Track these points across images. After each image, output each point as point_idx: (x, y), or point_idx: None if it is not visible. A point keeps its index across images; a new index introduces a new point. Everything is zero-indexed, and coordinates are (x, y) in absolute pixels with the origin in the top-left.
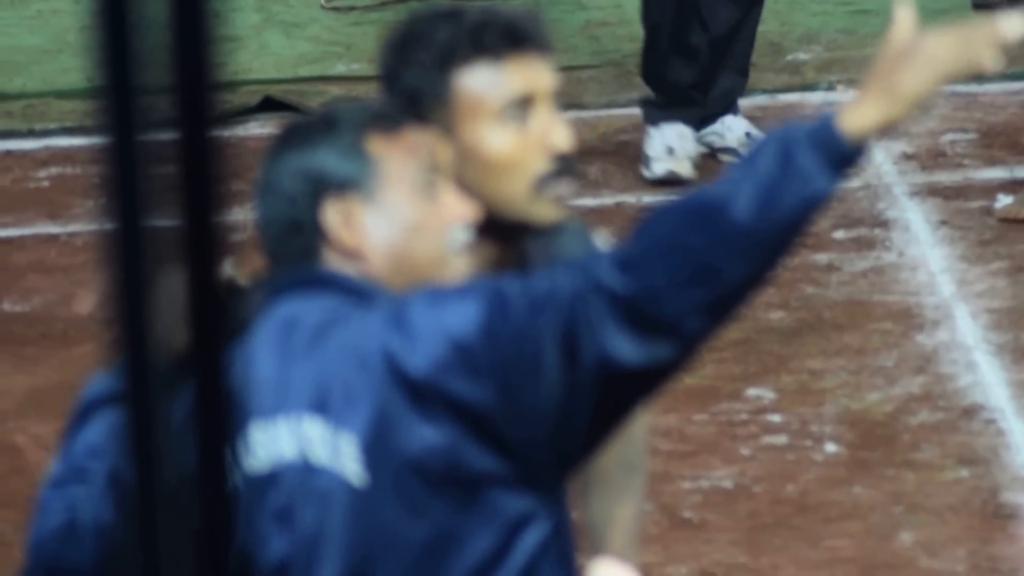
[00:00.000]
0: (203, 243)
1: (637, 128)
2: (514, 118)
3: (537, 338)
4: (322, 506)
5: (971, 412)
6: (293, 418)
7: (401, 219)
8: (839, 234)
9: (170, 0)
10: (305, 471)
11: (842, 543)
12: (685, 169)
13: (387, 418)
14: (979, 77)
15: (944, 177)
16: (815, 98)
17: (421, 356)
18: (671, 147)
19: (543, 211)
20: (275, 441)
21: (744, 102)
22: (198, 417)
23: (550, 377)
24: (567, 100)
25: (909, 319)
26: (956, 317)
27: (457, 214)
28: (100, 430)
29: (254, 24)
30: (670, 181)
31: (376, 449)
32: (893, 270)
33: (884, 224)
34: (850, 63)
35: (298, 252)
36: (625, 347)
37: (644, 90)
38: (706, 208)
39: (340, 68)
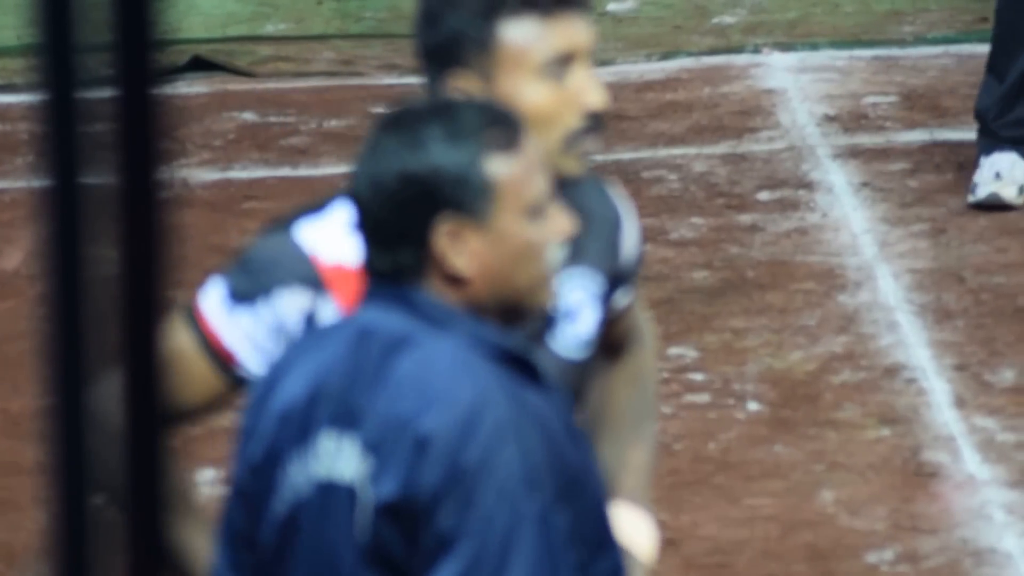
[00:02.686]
0: (140, 201)
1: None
2: (553, 74)
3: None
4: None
5: (892, 372)
6: (356, 441)
7: (512, 247)
8: (763, 195)
9: None
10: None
11: (763, 501)
12: (1009, 193)
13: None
14: (900, 41)
15: (866, 139)
16: (740, 60)
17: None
18: (999, 172)
19: (570, 165)
20: (337, 456)
21: (669, 64)
22: (130, 385)
23: None
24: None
25: (831, 279)
26: (878, 278)
27: (560, 230)
28: None
29: None
30: (993, 204)
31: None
32: (816, 231)
33: (807, 186)
34: (775, 26)
35: (401, 263)
36: None
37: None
38: None
39: (269, 28)
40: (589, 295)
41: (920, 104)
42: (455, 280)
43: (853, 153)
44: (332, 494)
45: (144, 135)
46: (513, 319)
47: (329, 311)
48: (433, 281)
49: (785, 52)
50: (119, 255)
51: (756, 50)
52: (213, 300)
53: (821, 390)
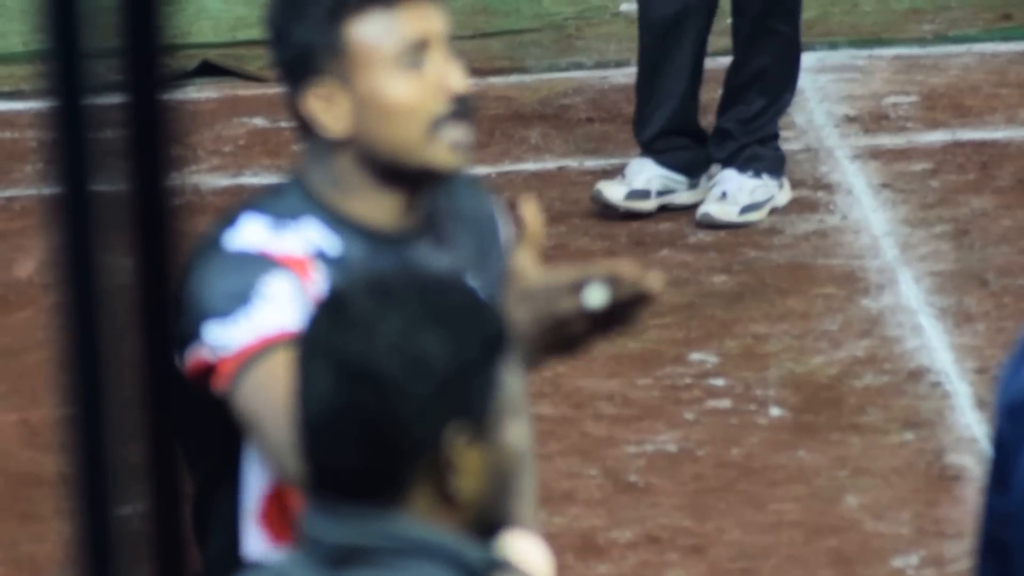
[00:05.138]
0: (151, 208)
1: (578, 91)
2: (409, 64)
3: None
4: None
5: (916, 375)
6: None
7: None
8: None
9: None
10: None
11: (787, 507)
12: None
13: None
14: (921, 40)
15: (886, 140)
16: None
17: None
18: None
19: (442, 155)
20: None
21: None
22: (147, 385)
23: None
24: (508, 64)
25: (853, 283)
26: (900, 281)
27: None
28: None
29: None
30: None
31: None
32: (836, 233)
33: (827, 187)
34: None
35: None
36: None
37: (585, 53)
38: None
39: None
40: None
41: (941, 104)
42: None
43: (873, 154)
44: None
45: (154, 141)
46: None
47: (306, 291)
48: None
49: (803, 52)
50: (132, 263)
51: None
52: (232, 333)
53: (844, 394)
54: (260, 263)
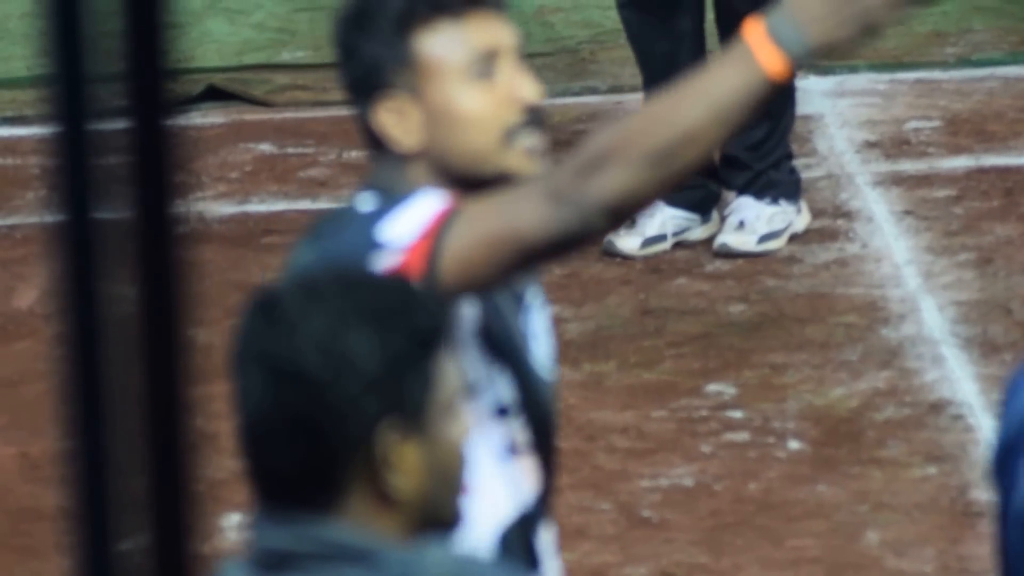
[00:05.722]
0: (155, 236)
1: (592, 117)
2: (480, 74)
3: None
4: None
5: (938, 408)
6: None
7: None
8: None
9: None
10: None
11: (807, 543)
12: None
13: None
14: (943, 64)
15: (908, 166)
16: None
17: None
18: None
19: (516, 163)
20: None
21: None
22: (152, 419)
23: None
24: None
25: (874, 312)
26: (922, 310)
27: None
28: None
29: (196, 10)
30: None
31: None
32: (857, 262)
33: (847, 215)
34: None
35: None
36: None
37: (599, 78)
38: None
39: (286, 56)
40: (540, 311)
41: (965, 129)
42: None
43: (895, 180)
44: None
45: (158, 168)
46: None
47: None
48: None
49: (823, 76)
50: (136, 293)
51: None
52: (401, 226)
53: (864, 427)
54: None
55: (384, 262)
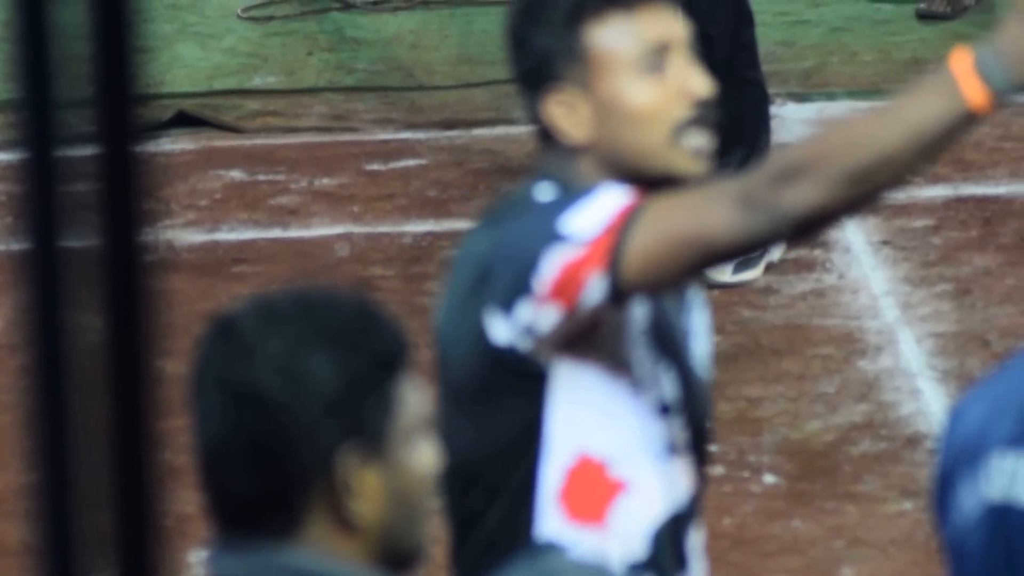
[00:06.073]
0: (123, 265)
1: None
2: (651, 68)
3: None
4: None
5: (915, 441)
6: None
7: None
8: (776, 255)
9: (89, 9)
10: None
11: None
12: None
13: None
14: None
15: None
16: None
17: None
18: None
19: (684, 162)
20: (1013, 477)
21: None
22: (119, 425)
23: None
24: (494, 115)
25: (851, 344)
26: (900, 342)
27: None
28: None
29: (166, 34)
30: None
31: None
32: (834, 293)
33: (824, 245)
34: (789, 75)
35: None
36: None
37: None
38: None
39: (257, 81)
40: (701, 310)
41: (943, 158)
42: None
43: (872, 210)
44: (1004, 517)
45: (127, 195)
46: None
47: None
48: None
49: (801, 103)
50: (103, 323)
51: (770, 101)
52: (587, 217)
53: (840, 462)
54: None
55: (566, 255)
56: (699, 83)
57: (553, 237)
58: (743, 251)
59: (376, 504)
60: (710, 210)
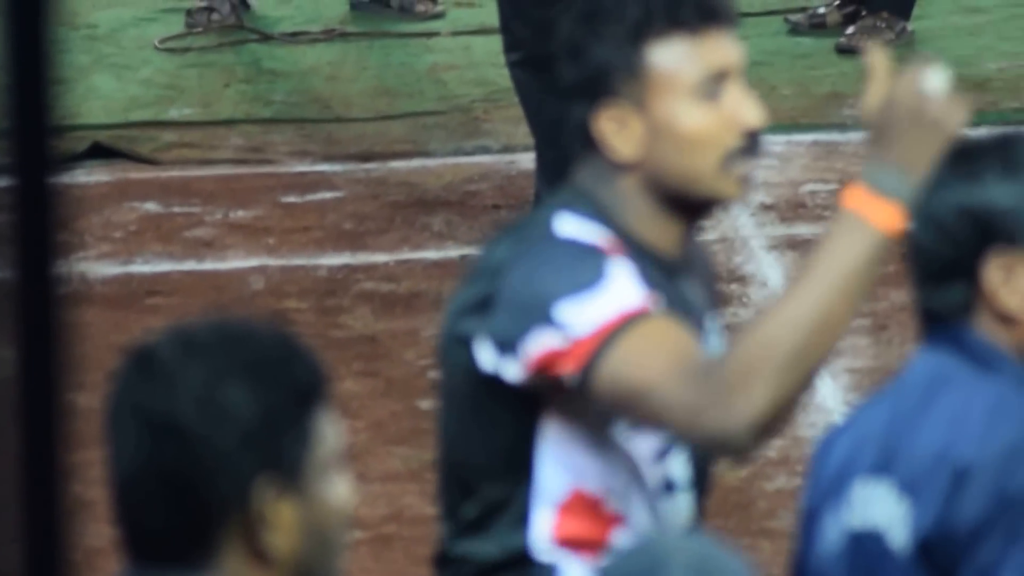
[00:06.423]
0: (37, 297)
1: (484, 177)
2: (708, 94)
3: None
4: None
5: None
6: (892, 484)
7: None
8: None
9: (5, 40)
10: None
11: None
12: None
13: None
14: (841, 125)
15: (804, 229)
16: None
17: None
18: None
19: (731, 188)
20: (872, 502)
21: None
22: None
23: None
24: (411, 147)
25: None
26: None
27: None
28: None
29: (82, 65)
30: None
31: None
32: None
33: (741, 279)
34: None
35: (951, 301)
36: None
37: (492, 137)
38: None
39: (173, 113)
40: (719, 336)
41: None
42: (1006, 319)
43: (791, 244)
44: (864, 543)
45: (41, 227)
46: None
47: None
48: (983, 319)
49: None
50: (15, 355)
51: None
52: (588, 310)
53: (754, 497)
54: (596, 250)
55: (552, 342)
56: (753, 113)
57: (547, 318)
58: (700, 445)
59: (291, 537)
60: (674, 389)
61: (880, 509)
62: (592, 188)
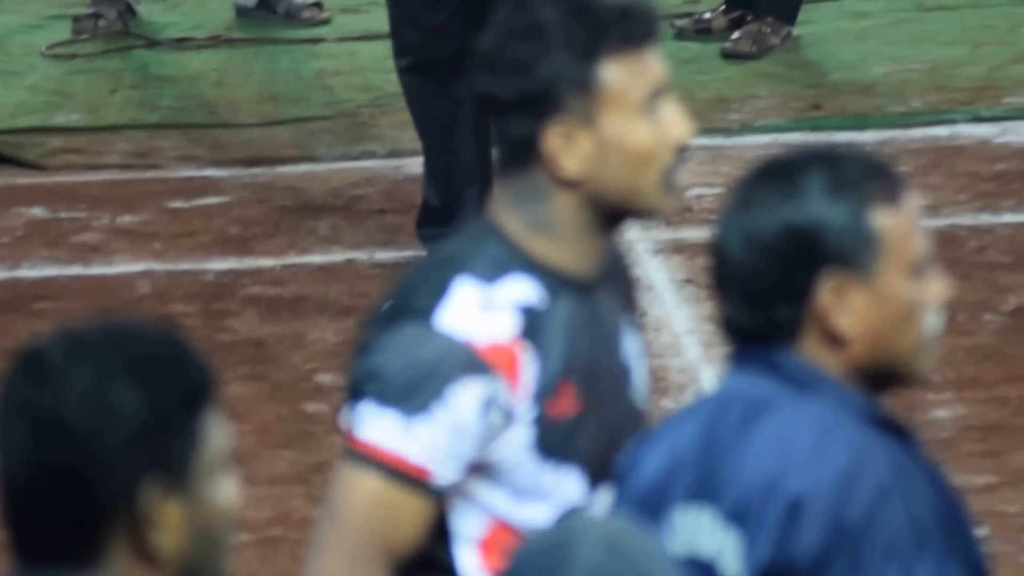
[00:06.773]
0: None
1: (370, 182)
2: (649, 109)
3: None
4: None
5: None
6: (717, 512)
7: (896, 307)
8: None
9: None
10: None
11: None
12: None
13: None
14: (726, 130)
15: (690, 234)
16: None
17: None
18: None
19: (666, 202)
20: (696, 530)
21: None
22: None
23: None
24: (297, 152)
25: (653, 383)
26: (703, 381)
27: (940, 293)
28: None
29: None
30: None
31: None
32: None
33: None
34: None
35: (775, 321)
36: None
37: (378, 142)
38: None
39: (60, 119)
40: (634, 336)
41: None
42: (834, 340)
43: (676, 248)
44: (691, 570)
45: None
46: (886, 385)
47: (503, 393)
48: (808, 341)
49: None
50: None
51: None
52: (382, 426)
53: None
54: (460, 360)
55: (373, 424)
56: (687, 127)
57: (361, 395)
58: None
59: (177, 537)
60: (333, 560)
61: (707, 539)
62: (508, 212)
